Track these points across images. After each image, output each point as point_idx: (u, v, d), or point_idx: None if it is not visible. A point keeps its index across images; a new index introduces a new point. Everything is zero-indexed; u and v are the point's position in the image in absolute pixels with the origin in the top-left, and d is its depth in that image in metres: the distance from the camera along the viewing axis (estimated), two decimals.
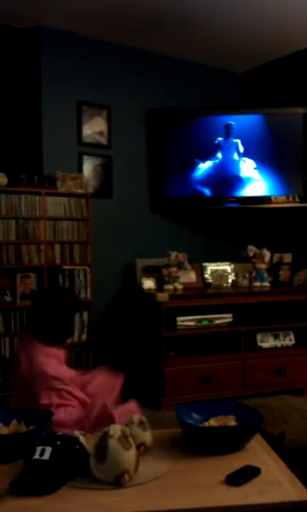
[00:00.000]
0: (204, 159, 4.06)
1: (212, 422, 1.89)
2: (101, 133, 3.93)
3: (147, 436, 1.74)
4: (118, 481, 1.51)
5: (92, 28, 3.74)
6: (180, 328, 3.56)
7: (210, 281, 4.02)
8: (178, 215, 4.25)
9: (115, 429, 1.56)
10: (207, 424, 1.88)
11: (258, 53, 4.22)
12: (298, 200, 4.04)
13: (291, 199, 4.05)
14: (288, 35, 3.88)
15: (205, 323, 3.64)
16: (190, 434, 1.82)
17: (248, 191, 4.07)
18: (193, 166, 4.07)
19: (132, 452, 1.55)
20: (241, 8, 3.44)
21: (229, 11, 3.48)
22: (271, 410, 3.27)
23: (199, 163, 4.07)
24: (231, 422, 1.88)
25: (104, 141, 3.94)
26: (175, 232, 4.23)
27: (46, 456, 1.55)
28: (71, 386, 2.20)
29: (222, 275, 4.05)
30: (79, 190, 3.63)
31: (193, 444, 1.79)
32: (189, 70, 4.33)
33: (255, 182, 4.06)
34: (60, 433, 1.71)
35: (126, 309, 3.97)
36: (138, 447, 1.65)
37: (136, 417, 1.76)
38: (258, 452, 1.74)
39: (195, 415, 1.93)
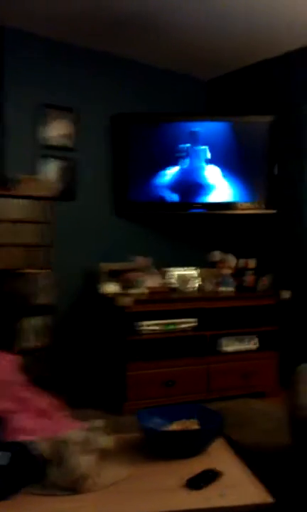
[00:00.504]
0: (170, 165, 4.07)
1: (175, 426, 1.88)
2: (66, 136, 3.89)
3: (107, 441, 1.71)
4: (76, 487, 1.48)
5: (58, 31, 3.70)
6: (144, 332, 3.53)
7: (175, 285, 4.01)
8: (143, 219, 4.24)
9: (74, 435, 1.53)
10: (169, 428, 1.86)
11: (223, 61, 4.25)
12: (263, 206, 4.07)
13: (256, 205, 4.09)
14: (253, 45, 3.92)
15: (170, 327, 3.62)
16: (152, 438, 1.80)
17: (214, 197, 4.09)
18: (159, 171, 4.07)
19: (91, 457, 1.52)
20: (207, 16, 3.45)
21: (195, 18, 3.49)
22: (235, 414, 3.27)
23: (165, 169, 4.07)
24: (193, 425, 1.87)
25: (69, 143, 3.90)
26: (140, 236, 4.22)
27: (4, 461, 1.50)
28: None
29: (187, 280, 4.04)
30: (43, 193, 3.57)
31: (155, 449, 1.77)
32: (155, 76, 4.34)
33: (221, 188, 4.08)
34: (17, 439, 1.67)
35: (89, 314, 3.93)
36: (97, 452, 1.62)
37: (96, 422, 1.73)
38: (220, 455, 1.74)
39: (157, 420, 1.92)
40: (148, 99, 4.27)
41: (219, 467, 1.61)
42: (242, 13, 3.43)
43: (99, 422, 1.73)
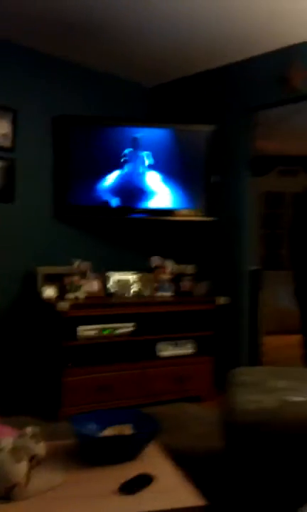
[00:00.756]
0: (111, 169, 4.06)
1: (109, 432, 1.87)
2: (4, 135, 3.81)
3: (40, 448, 1.67)
4: (8, 495, 1.44)
5: (0, 29, 3.63)
6: (81, 337, 3.51)
7: (113, 290, 4.00)
8: (83, 223, 4.21)
9: (5, 442, 1.50)
10: (103, 433, 1.86)
11: (167, 69, 4.30)
12: (202, 213, 4.14)
13: (195, 212, 4.15)
14: (196, 55, 3.99)
15: (107, 332, 3.61)
16: (85, 444, 1.79)
17: (154, 203, 4.11)
18: (100, 175, 4.05)
19: (23, 465, 1.49)
20: (151, 24, 3.49)
21: (140, 26, 3.52)
22: (170, 418, 3.28)
23: (106, 173, 4.06)
24: (127, 430, 1.87)
25: (7, 143, 3.82)
26: (80, 240, 4.18)
27: None
28: None
29: (126, 285, 4.04)
30: None
31: (89, 455, 1.76)
32: (98, 80, 4.33)
33: (161, 194, 4.12)
34: None
35: (26, 318, 3.85)
36: (30, 459, 1.59)
37: (29, 429, 1.70)
38: (153, 460, 1.74)
39: (91, 425, 1.90)
40: (91, 103, 4.26)
41: (152, 471, 1.62)
42: (186, 24, 3.49)
43: (31, 429, 1.70)
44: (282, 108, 4.01)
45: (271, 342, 5.74)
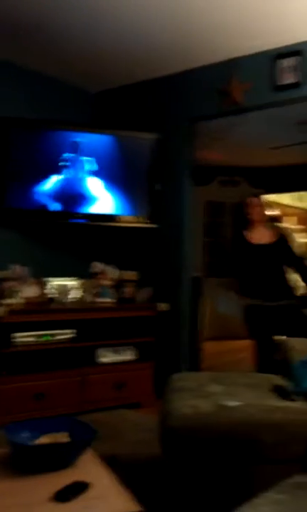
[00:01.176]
0: (52, 173, 4.00)
1: (44, 440, 1.83)
2: None
3: None
4: None
5: None
6: (18, 344, 3.42)
7: (54, 296, 3.94)
8: (21, 227, 4.11)
9: None
10: (38, 442, 1.82)
11: (111, 76, 4.31)
12: (144, 220, 4.15)
13: (138, 219, 4.15)
14: (139, 63, 4.02)
15: (46, 338, 3.54)
16: (19, 452, 1.74)
17: (96, 209, 4.09)
18: (40, 178, 3.98)
19: None
20: (96, 30, 3.49)
21: (84, 32, 3.51)
22: (108, 425, 3.26)
23: (46, 177, 3.99)
24: (63, 438, 1.83)
25: None
26: (18, 244, 4.07)
27: None
28: None
29: (67, 290, 3.99)
30: None
31: (23, 463, 1.71)
32: (42, 83, 4.27)
33: (104, 200, 4.10)
34: None
35: None
36: None
37: None
38: (88, 467, 1.72)
39: (25, 433, 1.85)
40: (34, 106, 4.19)
41: (87, 479, 1.60)
42: (129, 32, 3.51)
43: None
44: (223, 119, 4.10)
45: (211, 347, 5.82)
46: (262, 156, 6.77)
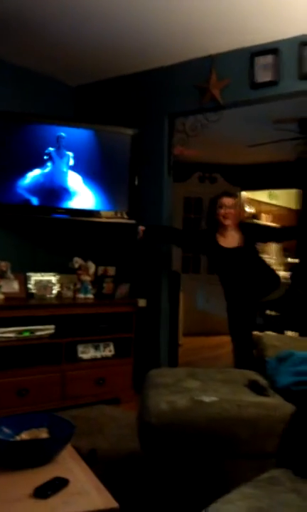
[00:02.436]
0: (32, 167, 3.99)
1: (24, 436, 1.85)
2: None
3: None
4: None
5: None
6: None
7: (34, 291, 3.95)
8: (2, 221, 4.11)
9: None
10: (18, 438, 1.84)
11: (91, 69, 4.31)
12: (125, 216, 4.17)
13: (117, 215, 4.17)
14: (121, 57, 4.03)
15: (26, 334, 3.56)
16: None
17: (76, 204, 4.09)
18: (21, 173, 3.96)
19: None
20: (76, 22, 3.48)
21: (61, 22, 3.48)
22: (88, 421, 3.30)
23: (27, 171, 3.98)
24: (42, 434, 1.86)
25: None
26: None
27: None
28: None
29: (46, 286, 4.00)
30: None
31: (3, 459, 1.74)
32: (23, 77, 4.25)
33: (84, 195, 4.10)
34: None
35: None
36: None
37: None
38: (68, 463, 1.75)
39: (5, 430, 1.88)
40: (15, 100, 4.17)
41: (67, 475, 1.63)
42: (109, 26, 3.52)
43: None
44: (200, 116, 4.13)
45: (189, 343, 5.89)
46: (239, 154, 6.83)
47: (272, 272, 3.71)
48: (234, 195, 3.80)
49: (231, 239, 3.62)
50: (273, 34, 3.55)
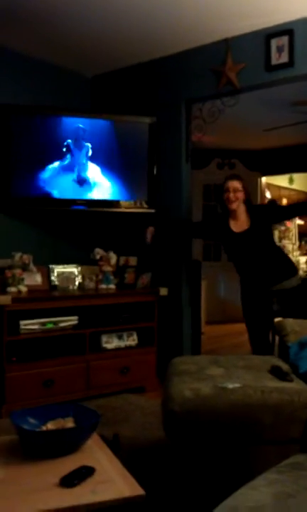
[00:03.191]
0: (52, 160, 4.02)
1: (50, 426, 1.89)
2: None
3: None
4: None
5: None
6: (24, 332, 3.48)
7: (56, 283, 3.99)
8: (24, 215, 4.15)
9: None
10: (44, 428, 1.87)
11: (107, 59, 4.29)
12: (144, 205, 4.18)
13: (137, 204, 4.18)
14: (134, 45, 4.00)
15: (50, 326, 3.60)
16: (26, 438, 1.80)
17: (96, 195, 4.11)
18: (42, 166, 3.99)
19: None
20: (89, 11, 3.46)
21: (77, 13, 3.48)
22: (113, 410, 3.34)
23: (47, 164, 4.01)
24: (68, 424, 1.89)
25: None
26: (21, 232, 4.12)
27: None
28: None
29: (69, 277, 4.04)
30: None
31: (30, 449, 1.78)
32: (39, 69, 4.26)
33: (103, 186, 4.12)
34: None
35: None
36: None
37: None
38: (93, 452, 1.78)
39: (32, 420, 1.91)
40: (33, 92, 4.18)
41: (93, 464, 1.65)
42: (125, 14, 3.50)
43: None
44: (218, 101, 4.09)
45: (211, 331, 5.90)
46: (257, 138, 6.76)
47: (286, 258, 3.59)
48: (240, 177, 3.57)
49: (241, 223, 3.50)
50: (288, 15, 3.48)
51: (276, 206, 3.81)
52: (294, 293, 3.47)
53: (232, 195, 3.45)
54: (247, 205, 3.53)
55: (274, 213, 3.70)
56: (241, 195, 3.47)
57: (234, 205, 3.47)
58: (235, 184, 3.48)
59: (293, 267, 3.58)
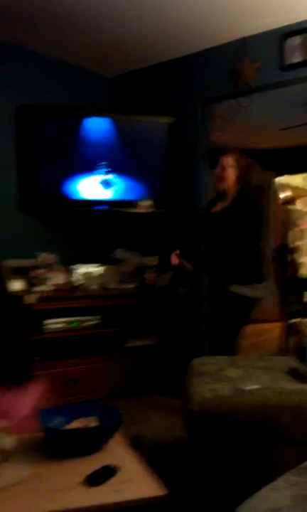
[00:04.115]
0: (75, 161, 4.07)
1: (75, 424, 1.93)
2: None
3: (8, 443, 1.74)
4: None
5: None
6: (48, 331, 3.55)
7: (79, 283, 4.05)
8: (48, 215, 4.22)
9: None
10: (69, 426, 1.93)
11: (127, 59, 4.33)
12: (162, 205, 4.20)
13: (156, 204, 4.20)
14: (153, 45, 4.03)
15: (74, 325, 3.66)
16: (51, 437, 1.85)
17: (117, 195, 4.16)
18: (65, 166, 4.06)
19: None
20: (110, 12, 3.50)
21: (99, 14, 3.52)
22: (135, 409, 3.38)
23: (70, 165, 4.07)
24: (92, 423, 1.94)
25: None
26: (45, 233, 4.19)
27: None
28: None
29: (91, 277, 4.10)
30: None
31: (55, 447, 1.83)
32: (60, 69, 4.31)
33: (124, 186, 4.16)
34: None
35: None
36: None
37: None
38: (116, 451, 1.81)
39: (57, 418, 1.96)
40: (54, 93, 4.24)
41: (117, 463, 1.68)
42: (143, 14, 3.52)
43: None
44: (234, 101, 4.09)
45: None
46: (273, 138, 6.71)
47: (249, 262, 3.07)
48: (237, 152, 3.13)
49: (219, 205, 3.06)
50: (304, 13, 3.47)
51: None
52: (235, 300, 3.06)
53: (219, 172, 3.07)
54: (239, 186, 3.05)
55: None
56: (232, 172, 3.04)
57: (221, 185, 3.06)
58: (227, 159, 3.07)
59: (251, 275, 3.12)
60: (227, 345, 3.06)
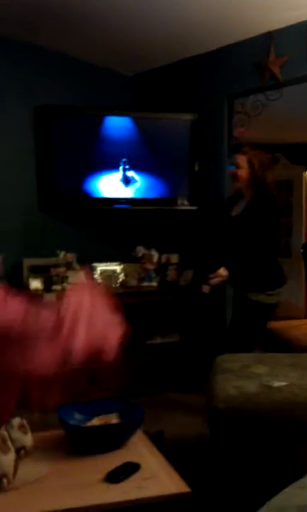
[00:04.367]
0: (96, 159, 4.05)
1: (95, 421, 1.90)
2: None
3: (27, 440, 1.71)
4: None
5: None
6: None
7: (99, 281, 4.03)
8: (68, 214, 4.21)
9: None
10: (90, 423, 1.89)
11: (148, 57, 4.29)
12: (186, 203, 4.16)
13: (179, 202, 4.17)
14: (177, 42, 3.98)
15: None
16: (72, 434, 1.82)
17: (138, 193, 4.13)
18: (85, 165, 4.04)
19: (10, 456, 1.52)
20: (133, 10, 3.46)
21: (119, 13, 3.49)
22: (157, 406, 3.35)
23: (90, 163, 4.05)
24: (113, 419, 1.90)
25: None
26: (65, 231, 4.18)
27: None
28: None
29: (111, 275, 4.07)
30: None
31: (76, 444, 1.80)
32: (80, 69, 4.30)
33: (145, 184, 4.13)
34: None
35: None
36: (18, 451, 1.62)
37: (16, 420, 1.73)
38: (138, 448, 1.78)
39: (78, 415, 1.93)
40: (73, 92, 4.22)
41: (138, 460, 1.66)
42: (166, 11, 3.47)
43: (18, 420, 1.72)
44: (262, 95, 4.03)
45: None
46: (301, 131, 6.61)
47: (267, 269, 3.04)
48: (250, 149, 3.03)
49: (242, 207, 3.01)
50: None
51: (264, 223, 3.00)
52: (253, 307, 3.06)
53: (234, 170, 3.04)
54: (254, 187, 2.97)
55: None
56: (244, 172, 2.97)
57: (237, 184, 3.02)
58: (238, 159, 3.02)
59: (268, 282, 3.09)
60: (245, 350, 3.00)
